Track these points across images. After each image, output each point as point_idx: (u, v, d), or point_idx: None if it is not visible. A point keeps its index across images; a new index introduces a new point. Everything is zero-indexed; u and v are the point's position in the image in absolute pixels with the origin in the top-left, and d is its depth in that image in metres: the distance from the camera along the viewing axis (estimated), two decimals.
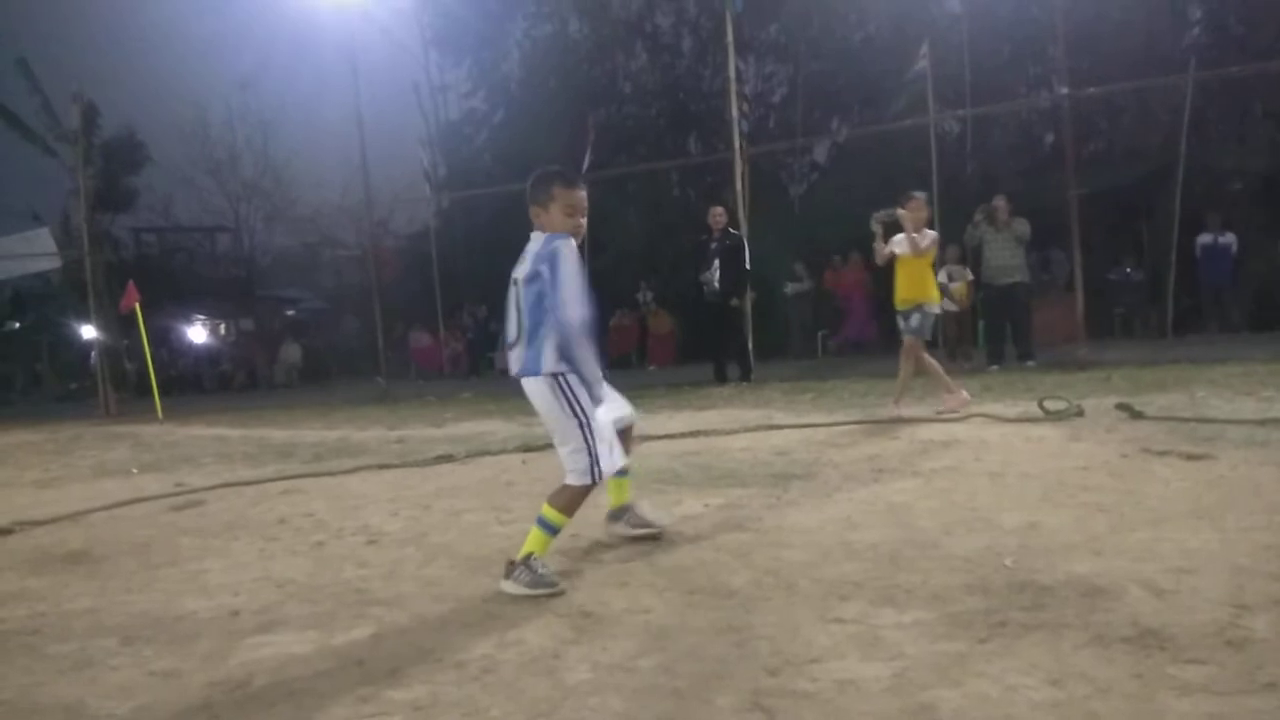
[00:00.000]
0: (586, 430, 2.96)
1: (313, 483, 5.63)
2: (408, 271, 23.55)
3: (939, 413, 6.42)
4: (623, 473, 3.32)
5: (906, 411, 6.50)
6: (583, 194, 3.07)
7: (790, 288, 16.49)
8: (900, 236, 6.55)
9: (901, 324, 6.66)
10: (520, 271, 3.02)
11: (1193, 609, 2.29)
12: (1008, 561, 2.80)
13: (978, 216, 10.84)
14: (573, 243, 2.96)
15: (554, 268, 2.89)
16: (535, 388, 3.00)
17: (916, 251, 6.46)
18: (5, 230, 18.60)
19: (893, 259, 6.66)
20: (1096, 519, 3.25)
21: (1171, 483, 3.76)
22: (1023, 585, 2.56)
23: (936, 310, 6.69)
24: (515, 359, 3.04)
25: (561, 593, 2.81)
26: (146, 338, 14.45)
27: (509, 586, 2.86)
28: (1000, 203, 10.70)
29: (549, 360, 2.94)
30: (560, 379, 2.95)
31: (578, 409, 2.96)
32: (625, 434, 3.28)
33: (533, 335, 2.97)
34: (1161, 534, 2.99)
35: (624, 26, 24.10)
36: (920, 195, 6.59)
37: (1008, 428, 5.64)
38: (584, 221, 3.08)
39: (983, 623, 2.29)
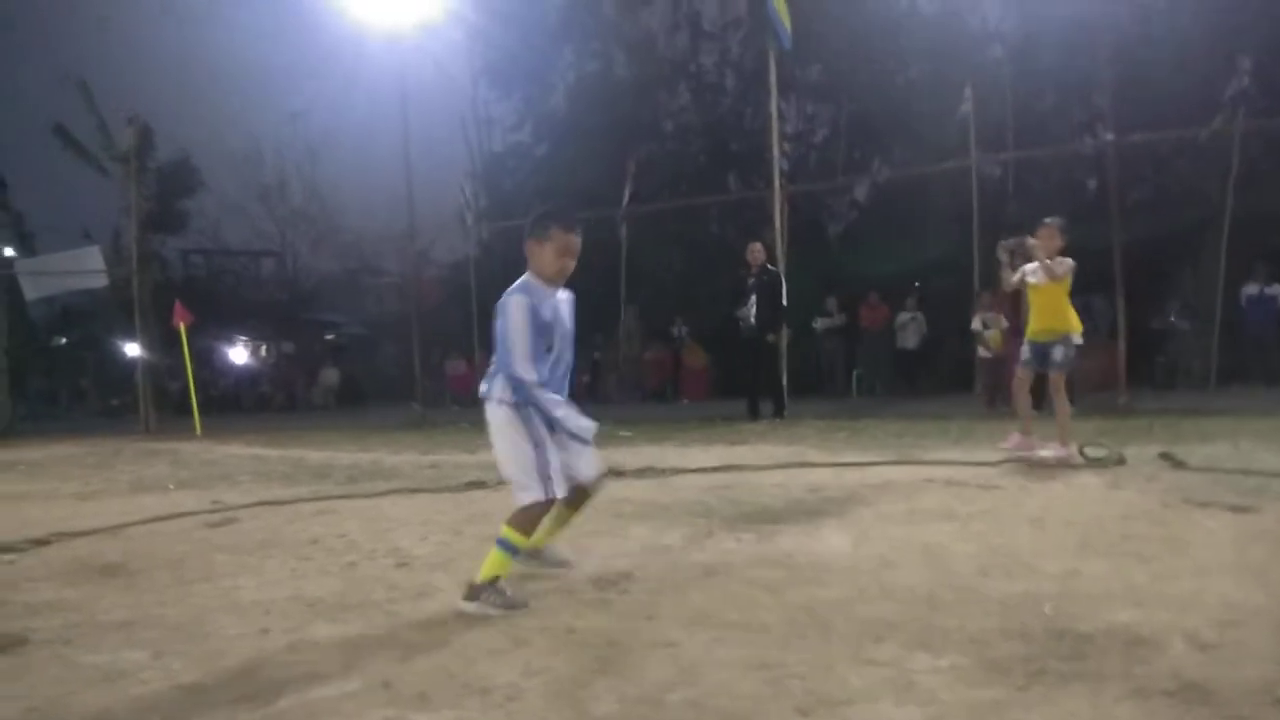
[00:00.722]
0: (541, 451, 3.11)
1: (346, 504, 5.66)
2: (447, 300, 23.78)
3: (1007, 449, 6.25)
4: (563, 524, 3.49)
5: (1066, 451, 6.04)
6: (578, 240, 3.23)
7: (820, 322, 16.33)
8: (1034, 265, 6.30)
9: (1032, 357, 6.31)
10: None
11: (1238, 663, 2.22)
12: (1047, 608, 2.74)
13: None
14: (522, 300, 3.11)
15: (503, 320, 3.12)
16: (490, 413, 3.19)
17: (1053, 278, 6.18)
18: (58, 247, 19.10)
19: (1023, 288, 6.43)
20: (1138, 568, 3.17)
21: (1215, 534, 3.67)
22: (1062, 633, 2.50)
23: (1079, 340, 6.31)
24: (483, 383, 3.24)
25: (526, 607, 2.99)
26: (189, 357, 14.69)
27: (472, 608, 3.00)
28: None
29: (501, 390, 3.15)
30: (515, 407, 3.13)
31: (532, 435, 3.12)
32: (582, 491, 3.39)
33: (496, 366, 3.18)
34: (1205, 586, 2.92)
35: (669, 65, 24.37)
36: (1053, 221, 6.30)
37: (1047, 473, 5.55)
38: (572, 264, 3.24)
39: (1021, 670, 2.24)
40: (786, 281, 11.15)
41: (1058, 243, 6.21)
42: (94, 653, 2.76)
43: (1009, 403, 11.22)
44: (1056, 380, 6.24)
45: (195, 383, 15.21)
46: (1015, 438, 6.40)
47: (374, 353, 28.65)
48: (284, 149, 31.33)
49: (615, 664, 2.43)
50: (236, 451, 10.30)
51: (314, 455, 9.21)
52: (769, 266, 11.00)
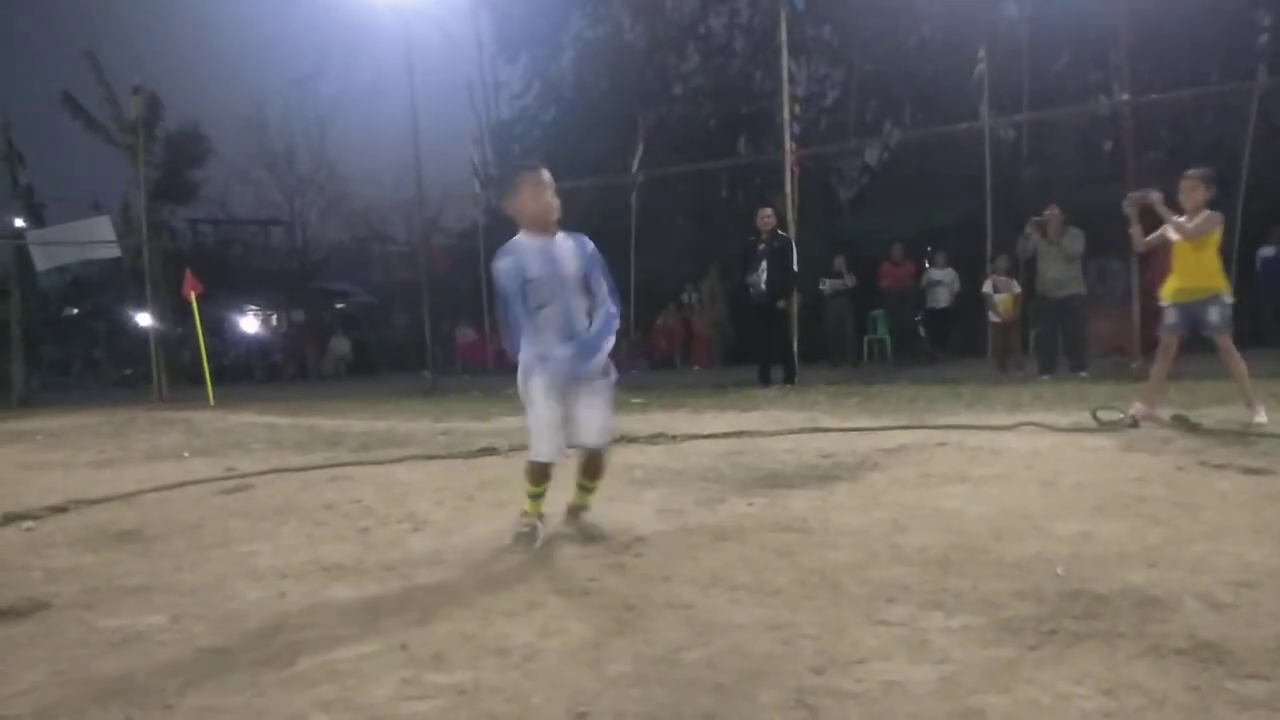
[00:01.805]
0: (531, 414, 3.40)
1: (360, 471, 5.69)
2: (456, 268, 23.77)
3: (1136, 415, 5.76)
4: (584, 489, 3.59)
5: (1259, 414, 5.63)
6: (546, 174, 3.35)
7: (828, 285, 15.21)
8: (1179, 220, 5.91)
9: (1179, 320, 5.87)
10: None
11: (1252, 623, 2.22)
12: (1059, 570, 2.74)
13: (1028, 229, 10.58)
14: (503, 265, 3.30)
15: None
16: None
17: (1185, 235, 5.80)
18: (67, 218, 19.11)
19: (1165, 247, 6.06)
20: (1151, 530, 3.17)
21: (1229, 496, 3.66)
22: (1075, 594, 2.50)
23: (1230, 300, 5.82)
24: None
25: (531, 536, 3.39)
26: (200, 326, 14.76)
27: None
28: (1052, 213, 10.42)
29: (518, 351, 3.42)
30: (521, 368, 3.40)
31: (525, 396, 3.41)
32: (592, 458, 3.52)
33: None
34: (1219, 547, 2.91)
35: (677, 29, 24.12)
36: (1195, 173, 5.89)
37: (1060, 437, 5.54)
38: (554, 200, 3.36)
39: (1034, 630, 2.25)
40: (797, 247, 11.11)
41: (1200, 195, 5.83)
42: (114, 617, 2.80)
43: (1020, 367, 11.24)
44: (1225, 342, 5.79)
45: (207, 352, 15.28)
46: (1139, 406, 5.94)
47: (384, 321, 28.71)
48: (291, 116, 31.22)
49: (631, 625, 2.45)
50: (249, 420, 10.36)
51: (327, 423, 9.26)
52: (780, 232, 10.95)
